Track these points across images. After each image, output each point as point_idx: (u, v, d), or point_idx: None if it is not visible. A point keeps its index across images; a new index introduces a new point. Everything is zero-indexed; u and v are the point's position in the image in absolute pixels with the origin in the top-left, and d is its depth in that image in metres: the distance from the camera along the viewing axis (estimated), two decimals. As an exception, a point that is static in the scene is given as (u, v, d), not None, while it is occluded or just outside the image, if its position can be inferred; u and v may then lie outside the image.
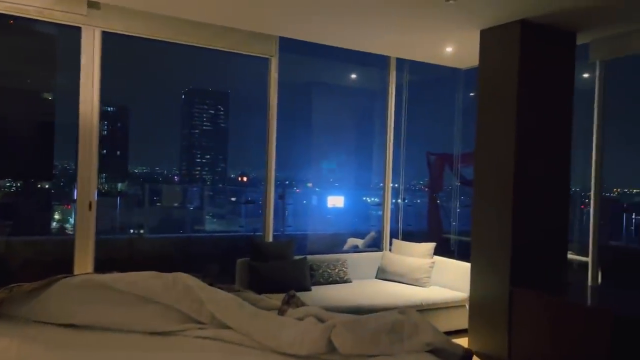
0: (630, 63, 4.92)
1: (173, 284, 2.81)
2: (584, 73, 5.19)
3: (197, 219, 10.98)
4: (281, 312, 2.86)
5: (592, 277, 4.94)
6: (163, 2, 4.28)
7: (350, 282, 5.24)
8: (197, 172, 18.37)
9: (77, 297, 2.74)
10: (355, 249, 6.38)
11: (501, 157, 4.37)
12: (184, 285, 2.80)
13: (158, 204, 10.51)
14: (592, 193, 4.98)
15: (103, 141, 4.83)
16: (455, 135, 6.85)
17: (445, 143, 7.09)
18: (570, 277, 5.02)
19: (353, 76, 6.97)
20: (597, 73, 4.88)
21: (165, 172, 17.04)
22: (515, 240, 4.28)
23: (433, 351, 2.29)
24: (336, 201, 9.98)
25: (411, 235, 6.27)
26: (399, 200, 6.56)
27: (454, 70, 6.12)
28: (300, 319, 2.65)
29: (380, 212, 6.20)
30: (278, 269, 4.75)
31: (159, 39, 4.70)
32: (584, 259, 5.08)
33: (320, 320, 2.58)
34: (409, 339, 2.31)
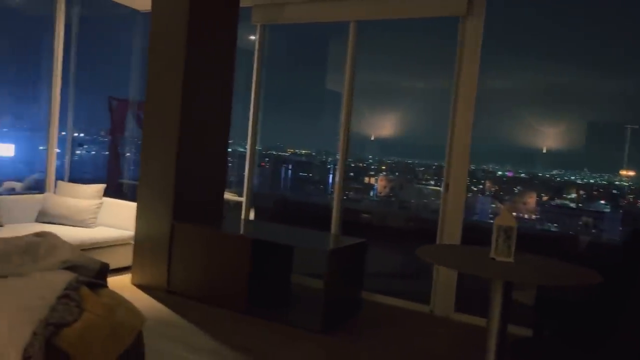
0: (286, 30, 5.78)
1: None
2: (251, 35, 5.82)
3: None
4: None
5: (245, 214, 5.74)
6: None
7: (2, 226, 4.74)
8: None
9: None
10: (11, 192, 5.74)
11: (169, 103, 4.60)
12: None
13: None
14: (248, 147, 5.70)
15: None
16: (132, 81, 6.78)
17: (127, 88, 6.95)
18: (234, 214, 5.76)
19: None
20: (257, 36, 5.57)
21: None
22: (178, 181, 4.60)
23: (71, 268, 2.36)
24: (4, 150, 8.64)
25: (86, 182, 6.03)
26: (80, 149, 6.18)
27: (133, 12, 6.02)
28: None
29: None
30: None
31: None
32: (241, 199, 5.84)
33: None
34: (43, 259, 2.32)
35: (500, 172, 6.26)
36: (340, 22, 5.15)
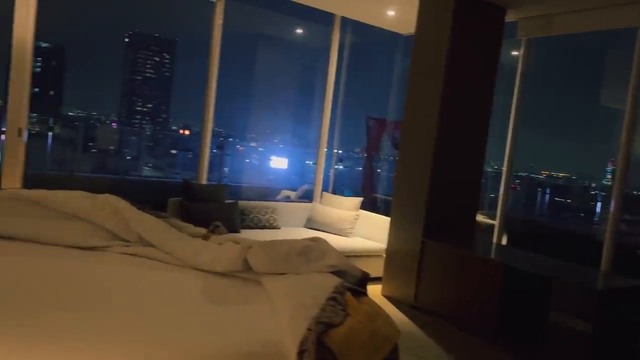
0: (552, 42, 5.34)
1: (102, 204, 2.95)
2: (512, 50, 5.56)
3: (133, 168, 10.89)
4: (205, 238, 3.07)
5: (497, 238, 5.45)
6: None
7: (279, 228, 5.50)
8: (137, 121, 17.91)
9: (5, 209, 2.82)
10: (287, 199, 6.64)
11: (426, 123, 4.68)
12: (113, 206, 2.94)
13: (93, 150, 10.33)
14: (504, 168, 5.41)
15: (35, 79, 4.62)
16: (391, 102, 7.15)
17: (384, 108, 7.40)
18: (487, 237, 5.55)
19: (299, 31, 7.09)
20: (522, 50, 5.27)
21: (103, 117, 16.53)
22: (430, 199, 4.64)
23: (336, 273, 2.58)
24: (280, 162, 10.14)
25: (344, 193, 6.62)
26: (339, 165, 6.85)
27: (395, 36, 6.37)
28: (221, 243, 2.87)
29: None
30: (209, 210, 4.93)
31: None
32: (492, 222, 5.58)
33: (238, 244, 2.81)
34: (315, 261, 2.59)
35: None
36: (623, 30, 4.51)
